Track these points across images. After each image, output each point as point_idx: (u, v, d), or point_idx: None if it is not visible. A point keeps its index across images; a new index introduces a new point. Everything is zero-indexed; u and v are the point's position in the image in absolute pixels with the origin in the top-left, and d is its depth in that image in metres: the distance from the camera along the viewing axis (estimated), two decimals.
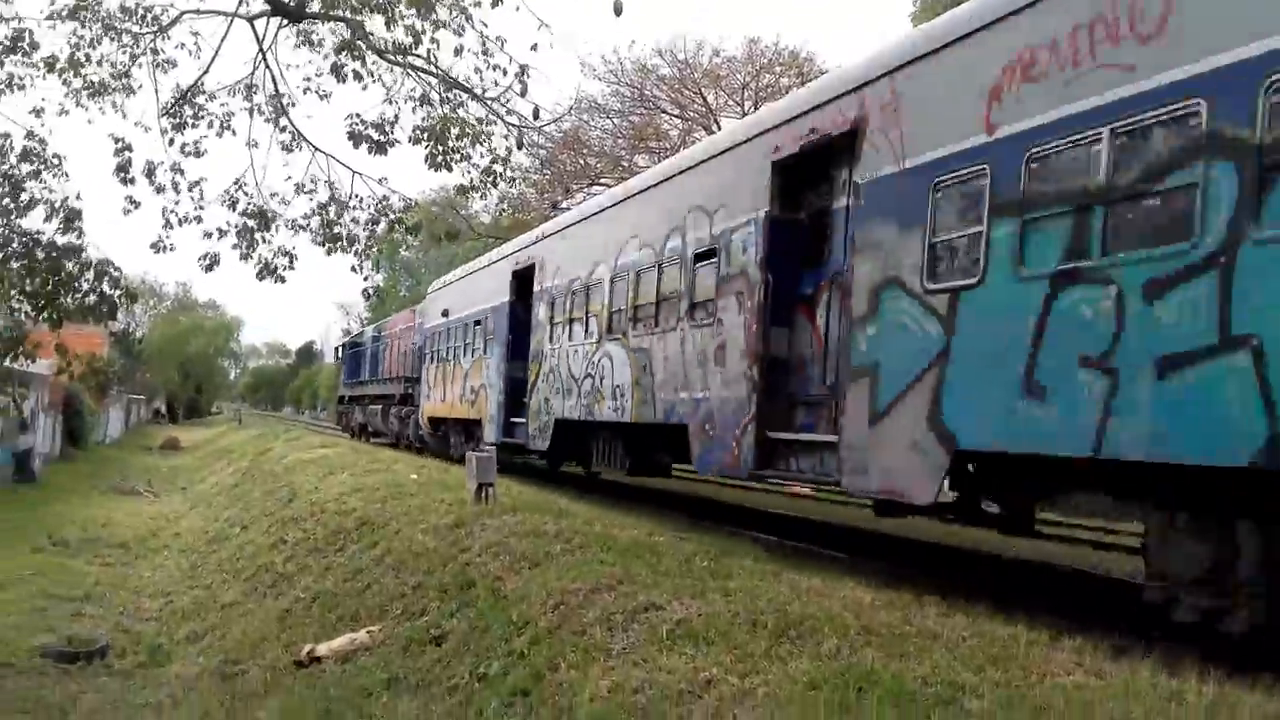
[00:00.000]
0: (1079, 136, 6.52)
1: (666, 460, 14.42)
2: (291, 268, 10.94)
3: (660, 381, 12.29)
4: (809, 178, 9.97)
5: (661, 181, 13.22)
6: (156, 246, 10.77)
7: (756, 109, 26.24)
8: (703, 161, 12.12)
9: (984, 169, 7.26)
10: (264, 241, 10.73)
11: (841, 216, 9.43)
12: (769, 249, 10.06)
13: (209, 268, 10.55)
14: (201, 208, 10.65)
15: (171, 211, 10.62)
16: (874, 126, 8.61)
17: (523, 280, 18.25)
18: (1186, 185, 5.80)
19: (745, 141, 11.01)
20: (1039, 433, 6.70)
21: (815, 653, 5.56)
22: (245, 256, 10.69)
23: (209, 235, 10.63)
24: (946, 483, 7.85)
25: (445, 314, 23.59)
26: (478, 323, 20.78)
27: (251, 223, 10.73)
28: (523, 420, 17.51)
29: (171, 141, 10.85)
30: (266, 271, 10.71)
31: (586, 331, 14.92)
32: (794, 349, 10.04)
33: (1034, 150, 6.84)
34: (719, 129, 27.78)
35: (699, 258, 11.52)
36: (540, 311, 17.08)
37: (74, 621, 13.19)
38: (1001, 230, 7.07)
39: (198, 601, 14.81)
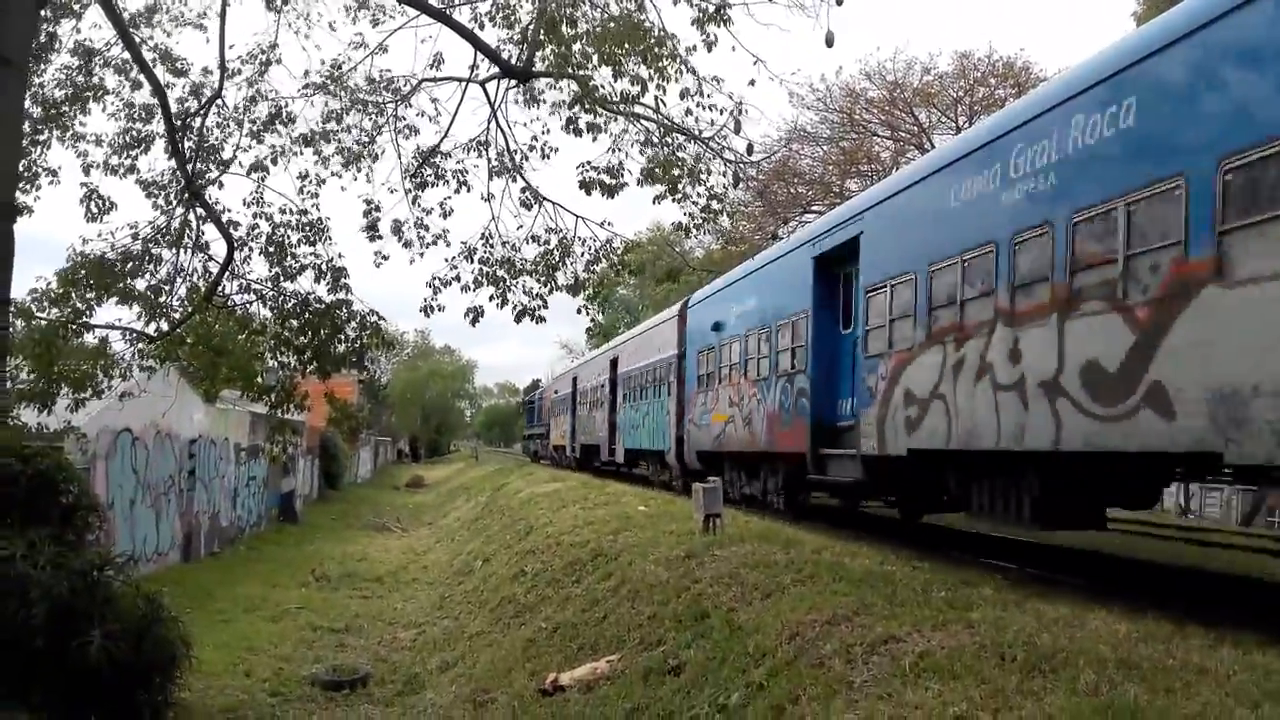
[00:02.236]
0: (637, 371, 22.77)
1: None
2: (546, 307, 11.11)
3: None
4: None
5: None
6: (426, 310, 10.98)
7: (971, 124, 28.13)
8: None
9: (631, 376, 23.79)
10: (513, 289, 11.01)
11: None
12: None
13: (474, 321, 10.82)
14: (456, 268, 10.91)
15: (437, 278, 10.88)
16: (624, 357, 25.48)
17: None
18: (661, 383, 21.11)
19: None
20: (638, 444, 25.25)
21: (1072, 688, 5.30)
22: (501, 304, 10.95)
23: (467, 289, 10.90)
24: (623, 458, 27.22)
25: (556, 391, 45.40)
26: (564, 397, 40.38)
27: (501, 272, 11.04)
28: (575, 445, 36.62)
29: (415, 200, 11.40)
30: (524, 314, 10.97)
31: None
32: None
33: (629, 373, 23.78)
34: (932, 147, 28.82)
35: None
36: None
37: (338, 652, 13.95)
38: (625, 391, 27.08)
39: (447, 632, 15.25)
